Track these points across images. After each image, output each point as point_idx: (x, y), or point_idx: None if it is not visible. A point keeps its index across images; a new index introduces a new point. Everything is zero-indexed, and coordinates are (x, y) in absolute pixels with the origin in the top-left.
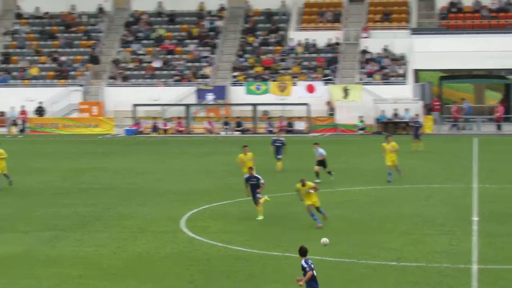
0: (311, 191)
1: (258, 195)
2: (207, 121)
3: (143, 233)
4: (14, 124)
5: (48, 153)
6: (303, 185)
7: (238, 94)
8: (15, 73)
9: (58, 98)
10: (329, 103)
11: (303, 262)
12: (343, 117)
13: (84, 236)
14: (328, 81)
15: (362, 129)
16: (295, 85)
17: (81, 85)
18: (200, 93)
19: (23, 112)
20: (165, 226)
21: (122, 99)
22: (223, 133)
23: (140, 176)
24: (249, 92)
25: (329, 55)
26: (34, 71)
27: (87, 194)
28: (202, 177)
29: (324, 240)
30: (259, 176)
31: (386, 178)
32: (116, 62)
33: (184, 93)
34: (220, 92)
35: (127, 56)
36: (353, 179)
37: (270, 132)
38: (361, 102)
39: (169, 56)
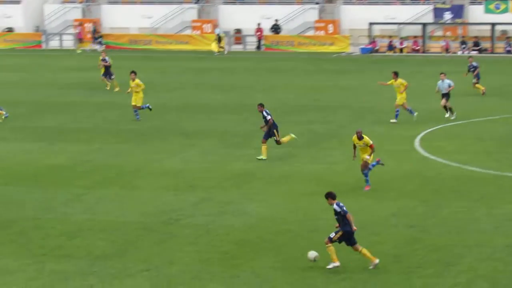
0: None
1: (274, 137)
2: (444, 40)
3: (377, 151)
4: (218, 40)
5: (283, 71)
6: (359, 138)
7: (476, 13)
8: None
9: (294, 16)
10: None
11: (335, 206)
12: None
13: (318, 153)
14: None
15: None
16: None
17: (317, 3)
18: (438, 12)
19: (259, 30)
20: (400, 145)
21: (358, 17)
22: (459, 53)
23: (374, 94)
24: (488, 11)
25: None
26: None
27: (322, 112)
28: (437, 97)
29: (312, 254)
30: (265, 114)
31: None
32: None
33: (421, 11)
34: (458, 11)
35: None
36: None
37: (509, 52)
38: None
39: None
